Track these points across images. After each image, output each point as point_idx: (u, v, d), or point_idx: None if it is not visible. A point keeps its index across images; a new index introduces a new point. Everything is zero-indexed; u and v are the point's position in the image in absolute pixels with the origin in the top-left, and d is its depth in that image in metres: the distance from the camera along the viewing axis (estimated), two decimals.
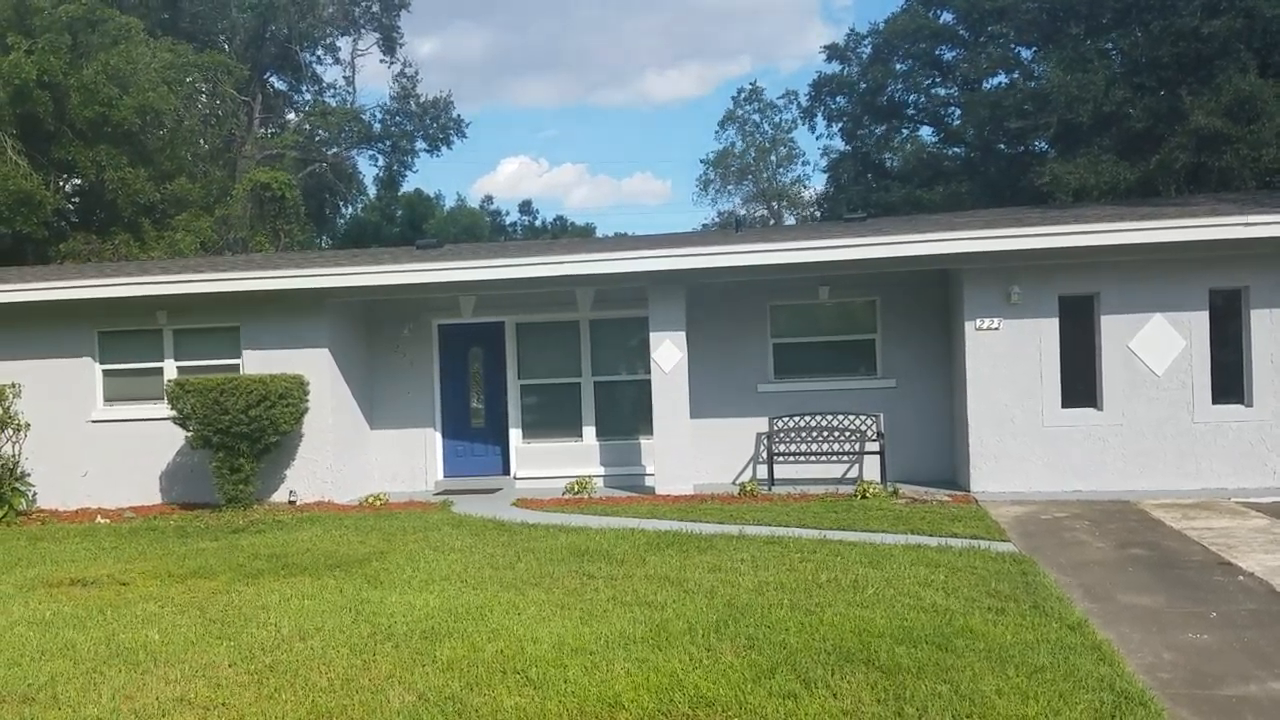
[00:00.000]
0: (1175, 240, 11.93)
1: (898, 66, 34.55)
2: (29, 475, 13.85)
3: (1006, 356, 12.61)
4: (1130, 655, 5.95)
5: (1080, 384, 12.64)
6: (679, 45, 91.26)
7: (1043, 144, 29.06)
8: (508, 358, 15.34)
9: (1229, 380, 12.42)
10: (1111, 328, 12.44)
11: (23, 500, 13.58)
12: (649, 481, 14.08)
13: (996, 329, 12.64)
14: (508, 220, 60.23)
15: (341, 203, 45.78)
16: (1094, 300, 12.57)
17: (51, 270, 18.64)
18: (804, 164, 61.91)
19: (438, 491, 14.69)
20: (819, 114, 38.76)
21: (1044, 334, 12.58)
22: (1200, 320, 12.32)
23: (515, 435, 15.29)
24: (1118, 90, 23.92)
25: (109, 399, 14.54)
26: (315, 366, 13.88)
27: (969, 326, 12.70)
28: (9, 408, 13.47)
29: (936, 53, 34.00)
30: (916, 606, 6.98)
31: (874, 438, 13.79)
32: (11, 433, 13.49)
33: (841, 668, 5.73)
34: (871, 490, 12.26)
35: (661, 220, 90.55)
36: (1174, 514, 10.61)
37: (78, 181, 30.17)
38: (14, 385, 13.63)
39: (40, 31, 26.09)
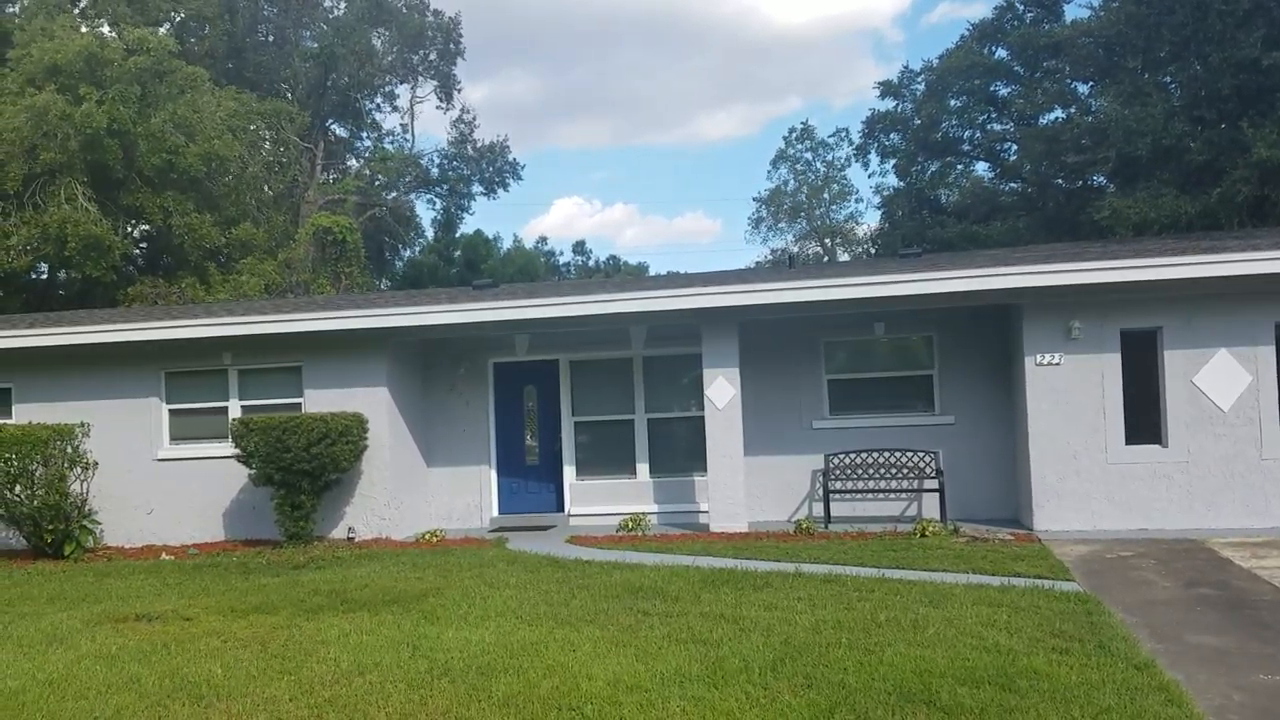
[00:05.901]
0: (1239, 274, 11.71)
1: (952, 102, 34.41)
2: (96, 513, 14.17)
3: (1068, 392, 12.42)
4: (1199, 696, 5.79)
5: (1144, 420, 12.39)
6: (728, 85, 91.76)
7: (1101, 178, 28.70)
8: (562, 395, 15.43)
9: None
10: (1175, 363, 12.21)
11: (90, 537, 13.88)
12: (703, 519, 14.03)
13: (1058, 364, 12.46)
14: (561, 260, 60.85)
15: (400, 245, 46.59)
16: (1157, 335, 12.35)
17: (119, 313, 19.14)
18: (857, 201, 61.71)
19: (493, 528, 14.76)
20: (872, 150, 38.78)
21: (1106, 369, 12.37)
22: (1267, 355, 12.05)
23: (569, 472, 15.33)
24: (1177, 123, 23.61)
25: (174, 438, 14.87)
26: (374, 405, 14.08)
27: (1029, 362, 12.54)
28: (78, 446, 13.80)
29: (991, 88, 33.83)
30: (979, 646, 6.86)
31: (932, 475, 13.62)
32: (80, 471, 13.80)
33: (902, 708, 5.65)
34: (931, 528, 12.11)
35: (713, 259, 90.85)
36: (1243, 553, 10.33)
37: (145, 227, 31.11)
38: (83, 424, 13.97)
39: (111, 82, 27.02)
